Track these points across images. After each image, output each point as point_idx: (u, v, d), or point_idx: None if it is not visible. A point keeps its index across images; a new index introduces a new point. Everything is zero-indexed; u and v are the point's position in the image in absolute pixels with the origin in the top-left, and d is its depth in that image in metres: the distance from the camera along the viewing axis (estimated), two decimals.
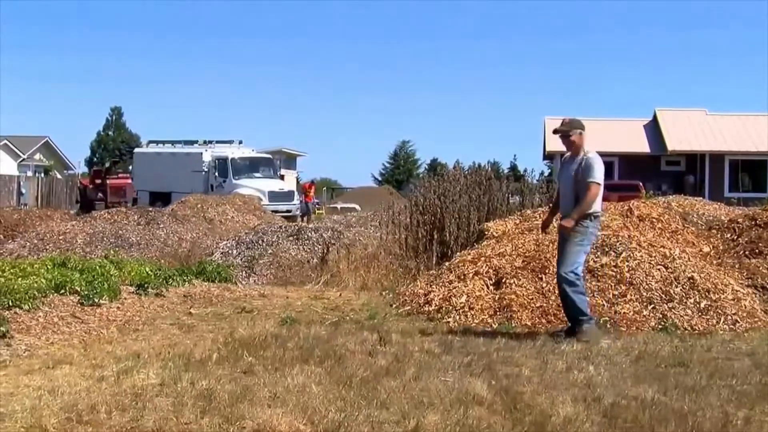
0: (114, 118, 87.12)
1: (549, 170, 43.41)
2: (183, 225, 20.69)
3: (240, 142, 36.89)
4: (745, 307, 10.03)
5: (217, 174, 34.36)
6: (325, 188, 65.37)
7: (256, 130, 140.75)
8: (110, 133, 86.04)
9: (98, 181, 38.35)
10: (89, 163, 73.03)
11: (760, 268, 11.57)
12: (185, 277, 12.47)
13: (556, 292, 9.93)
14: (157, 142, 39.22)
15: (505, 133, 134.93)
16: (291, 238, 16.16)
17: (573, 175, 8.83)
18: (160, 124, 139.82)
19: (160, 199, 33.58)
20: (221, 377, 6.79)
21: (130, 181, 39.28)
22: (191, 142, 37.48)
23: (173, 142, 38.42)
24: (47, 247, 17.79)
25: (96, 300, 10.00)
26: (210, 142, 36.76)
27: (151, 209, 23.31)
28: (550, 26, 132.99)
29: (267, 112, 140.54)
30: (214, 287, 12.52)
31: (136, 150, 39.94)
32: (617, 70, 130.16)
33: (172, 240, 19.19)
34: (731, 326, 9.51)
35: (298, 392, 6.31)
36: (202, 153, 35.38)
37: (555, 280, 9.46)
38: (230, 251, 16.09)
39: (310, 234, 16.38)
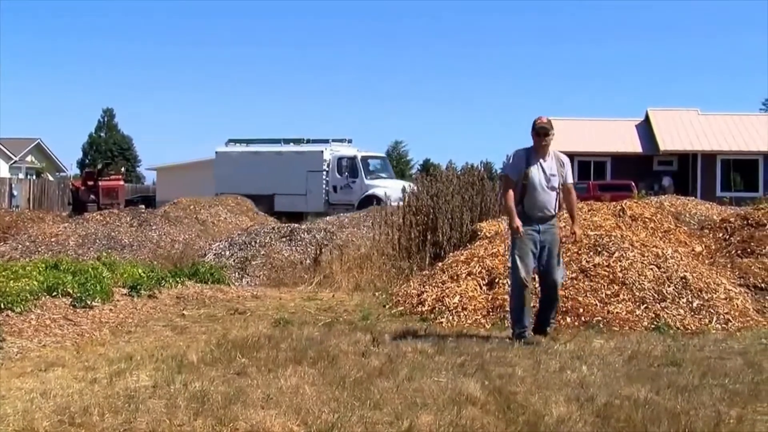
0: (106, 119, 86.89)
1: None
2: (175, 226, 20.66)
3: (350, 141, 34.45)
4: (738, 307, 10.05)
5: (347, 174, 31.85)
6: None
7: (248, 129, 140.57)
8: (102, 134, 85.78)
9: (90, 183, 38.13)
10: (81, 165, 72.78)
11: (752, 268, 11.60)
12: (178, 279, 12.46)
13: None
14: (238, 141, 36.26)
15: (498, 134, 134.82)
16: (284, 239, 16.16)
17: (552, 176, 8.78)
18: (153, 125, 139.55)
19: (258, 202, 29.70)
20: (214, 379, 6.78)
21: (122, 182, 39.08)
22: (277, 141, 34.94)
23: (256, 141, 35.80)
24: (39, 249, 17.75)
25: (88, 302, 10.00)
26: (298, 140, 34.20)
27: (143, 210, 23.26)
28: (543, 28, 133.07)
29: (260, 111, 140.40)
30: (207, 289, 12.52)
31: (219, 149, 36.16)
32: (609, 71, 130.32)
33: (165, 241, 19.16)
34: (723, 325, 9.53)
35: (292, 393, 6.31)
36: (322, 151, 32.57)
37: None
38: (223, 252, 16.08)
39: (302, 235, 16.38)
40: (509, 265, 8.96)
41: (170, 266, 14.42)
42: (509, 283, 9.03)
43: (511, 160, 8.87)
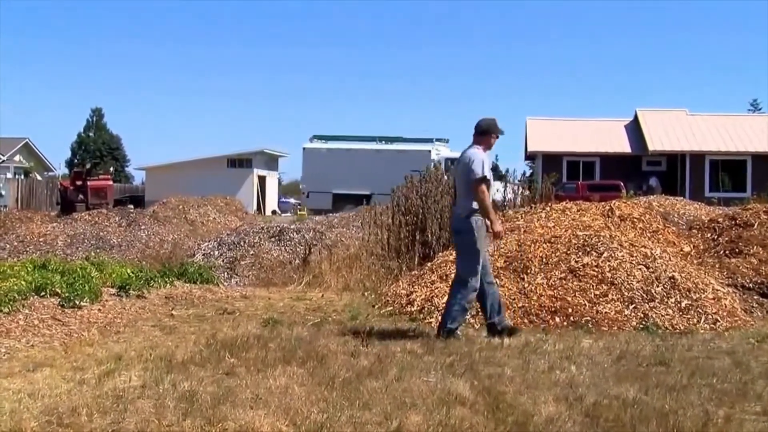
0: (95, 119, 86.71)
1: (531, 170, 43.56)
2: (164, 226, 20.65)
3: (447, 141, 33.52)
4: (726, 307, 10.08)
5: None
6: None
7: (236, 130, 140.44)
8: (91, 134, 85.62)
9: (79, 183, 37.99)
10: (70, 164, 72.58)
11: (740, 268, 11.65)
12: (167, 279, 12.43)
13: (538, 292, 9.99)
14: (324, 138, 34.86)
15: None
16: (273, 239, 16.14)
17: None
18: (142, 125, 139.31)
19: (353, 201, 28.89)
20: (203, 379, 6.77)
21: (111, 182, 38.97)
22: (371, 139, 33.77)
23: (344, 138, 34.50)
24: (27, 249, 17.72)
25: (77, 302, 9.96)
26: (396, 138, 32.79)
27: (132, 210, 23.21)
28: (532, 28, 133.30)
29: (247, 112, 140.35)
30: (195, 289, 12.49)
31: (306, 146, 34.61)
32: (598, 71, 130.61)
33: (154, 241, 19.14)
34: (712, 325, 9.56)
35: (281, 393, 6.30)
36: (429, 151, 31.43)
37: (535, 281, 9.53)
38: (212, 252, 16.05)
39: (292, 235, 16.36)
40: (468, 266, 8.84)
41: (159, 266, 14.37)
42: (459, 281, 8.93)
43: (482, 163, 8.75)
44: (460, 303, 8.77)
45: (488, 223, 8.66)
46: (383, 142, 33.36)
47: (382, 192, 26.26)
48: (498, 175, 21.03)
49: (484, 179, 8.69)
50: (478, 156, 8.78)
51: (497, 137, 8.94)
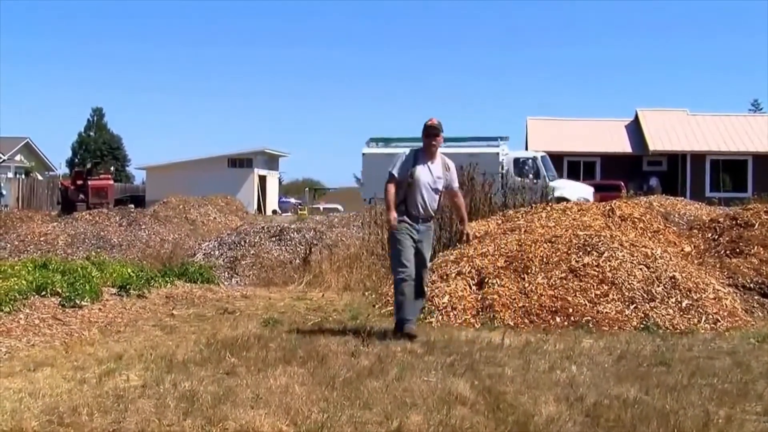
0: (95, 119, 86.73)
1: None
2: (165, 226, 20.64)
3: (507, 139, 32.40)
4: (726, 307, 10.08)
5: (531, 176, 29.02)
6: (307, 189, 65.33)
7: (237, 130, 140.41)
8: (92, 134, 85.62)
9: (80, 183, 37.98)
10: (71, 164, 72.58)
11: (741, 268, 11.65)
12: (167, 279, 12.42)
13: (539, 292, 9.98)
14: (382, 141, 33.80)
15: (487, 133, 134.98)
16: (273, 239, 16.13)
17: (438, 178, 9.04)
18: (143, 125, 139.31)
19: None
20: (204, 378, 6.77)
21: (111, 182, 38.96)
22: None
23: (402, 140, 31.00)
24: (28, 248, 17.72)
25: (77, 302, 9.96)
26: (460, 138, 30.91)
27: (132, 210, 23.20)
28: (532, 28, 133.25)
29: (248, 112, 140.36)
30: (196, 288, 12.49)
31: (366, 151, 33.47)
32: (599, 71, 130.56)
33: (154, 241, 19.15)
34: (712, 325, 9.56)
35: (281, 393, 6.29)
36: (498, 153, 30.28)
37: (535, 280, 9.52)
38: (212, 252, 16.05)
39: (292, 235, 16.36)
40: (390, 259, 9.32)
41: (159, 266, 14.38)
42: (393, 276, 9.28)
43: (399, 159, 9.03)
44: (394, 296, 9.14)
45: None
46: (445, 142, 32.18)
47: None
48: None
49: (390, 173, 8.95)
50: (403, 153, 9.10)
51: (427, 136, 9.02)
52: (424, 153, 9.04)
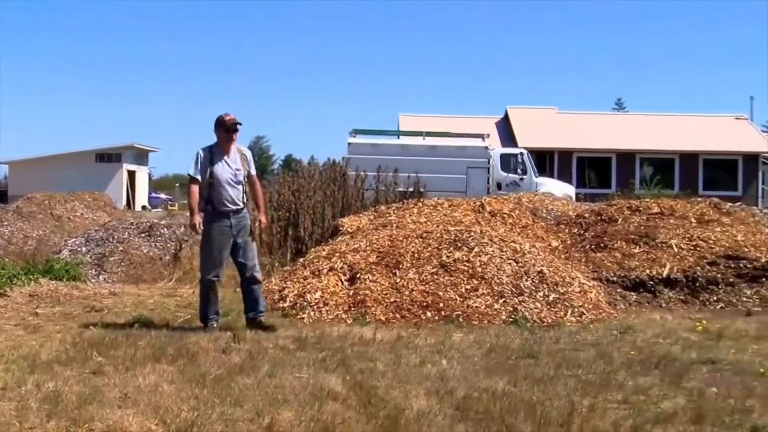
0: None
1: None
2: (29, 222, 20.08)
3: (487, 136, 31.66)
4: (591, 300, 10.37)
5: (519, 171, 29.58)
6: (177, 184, 64.23)
7: (104, 125, 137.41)
8: None
9: None
10: None
11: (605, 262, 12.01)
12: (31, 276, 12.03)
13: (410, 287, 10.06)
14: (366, 132, 32.45)
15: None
16: (143, 235, 15.86)
17: (238, 170, 9.06)
18: (3, 119, 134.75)
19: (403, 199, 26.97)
20: (69, 378, 6.58)
21: None
22: (417, 134, 31.65)
23: (386, 133, 32.57)
24: None
25: None
26: (444, 133, 31.31)
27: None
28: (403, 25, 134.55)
29: (120, 105, 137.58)
30: (62, 286, 12.13)
31: (352, 141, 31.70)
32: (469, 70, 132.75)
33: (17, 237, 18.63)
34: (578, 318, 9.82)
35: (150, 392, 6.18)
36: (486, 146, 29.93)
37: (407, 276, 9.59)
38: (79, 249, 15.67)
39: (162, 231, 16.10)
40: (200, 258, 9.44)
41: (23, 263, 13.93)
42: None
43: (195, 161, 8.98)
44: (199, 296, 9.32)
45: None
46: (428, 136, 31.89)
47: (439, 189, 24.81)
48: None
49: (190, 177, 9.01)
50: (197, 154, 9.02)
51: (228, 131, 9.02)
52: (219, 149, 9.02)
